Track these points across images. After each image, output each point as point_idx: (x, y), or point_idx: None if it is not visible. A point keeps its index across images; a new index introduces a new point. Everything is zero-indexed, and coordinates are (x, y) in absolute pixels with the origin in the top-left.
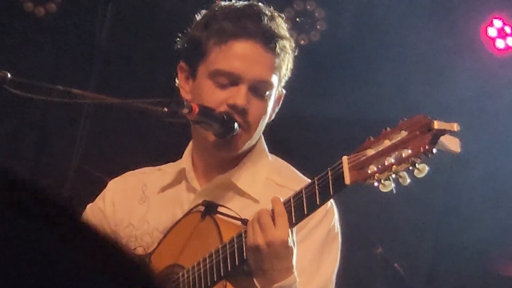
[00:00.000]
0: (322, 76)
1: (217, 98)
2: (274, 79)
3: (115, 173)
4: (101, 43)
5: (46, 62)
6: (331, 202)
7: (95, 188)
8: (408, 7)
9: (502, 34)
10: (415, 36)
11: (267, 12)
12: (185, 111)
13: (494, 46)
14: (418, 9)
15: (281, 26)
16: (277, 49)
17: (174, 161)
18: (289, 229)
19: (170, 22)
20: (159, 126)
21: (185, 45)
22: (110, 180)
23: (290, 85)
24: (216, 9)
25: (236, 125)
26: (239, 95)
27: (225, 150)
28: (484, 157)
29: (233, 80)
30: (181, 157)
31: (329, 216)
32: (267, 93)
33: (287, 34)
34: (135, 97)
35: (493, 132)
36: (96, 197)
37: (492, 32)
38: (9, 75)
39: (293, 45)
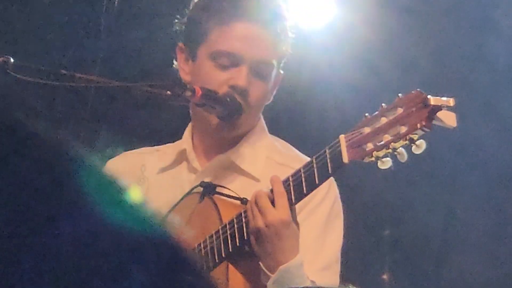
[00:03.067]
0: (321, 58)
1: (218, 79)
2: (275, 60)
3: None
4: (105, 27)
5: (50, 47)
6: (332, 180)
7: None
8: None
9: None
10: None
11: None
12: (188, 94)
13: None
14: None
15: (282, 7)
16: (278, 31)
17: (174, 142)
18: (289, 209)
19: (174, 6)
20: (161, 108)
21: (184, 26)
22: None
23: (287, 67)
24: None
25: (240, 106)
26: (240, 76)
27: (227, 131)
28: (497, 133)
29: (234, 61)
30: (180, 138)
31: (331, 194)
32: (268, 74)
33: (287, 15)
34: (139, 80)
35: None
36: None
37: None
38: (12, 60)
39: (293, 27)
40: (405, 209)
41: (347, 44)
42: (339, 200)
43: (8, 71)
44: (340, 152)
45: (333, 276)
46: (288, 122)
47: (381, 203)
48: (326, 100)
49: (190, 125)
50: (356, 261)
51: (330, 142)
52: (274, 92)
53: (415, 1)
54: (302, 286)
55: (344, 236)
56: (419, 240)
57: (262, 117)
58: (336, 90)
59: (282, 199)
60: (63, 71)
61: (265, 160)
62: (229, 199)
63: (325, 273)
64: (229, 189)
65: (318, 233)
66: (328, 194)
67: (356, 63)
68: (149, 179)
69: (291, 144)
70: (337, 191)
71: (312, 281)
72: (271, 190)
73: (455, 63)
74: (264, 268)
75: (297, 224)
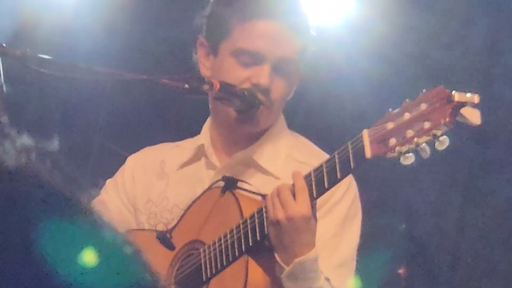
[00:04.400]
0: (342, 51)
1: (240, 76)
2: (297, 58)
3: (136, 149)
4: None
5: (66, 41)
6: (352, 178)
7: (117, 165)
8: None
9: None
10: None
11: None
12: (206, 87)
13: None
14: None
15: (302, 4)
16: (300, 29)
17: (193, 136)
18: (310, 204)
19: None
20: (179, 102)
21: (206, 21)
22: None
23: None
24: None
25: (258, 100)
26: (262, 74)
27: (247, 126)
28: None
29: (257, 59)
30: (199, 133)
31: (350, 192)
32: (290, 71)
33: (308, 13)
34: (157, 74)
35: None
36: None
37: None
38: (30, 52)
39: (315, 25)
40: (421, 204)
41: (364, 38)
42: (358, 198)
43: (26, 63)
44: (363, 147)
45: (348, 273)
46: (306, 117)
47: (397, 197)
48: (344, 94)
49: (208, 119)
50: (372, 255)
51: (348, 136)
52: (294, 88)
53: None
54: (315, 280)
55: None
56: (434, 235)
57: (282, 113)
58: (354, 84)
59: (303, 194)
60: (81, 64)
61: (285, 158)
62: (250, 194)
63: (341, 270)
64: (251, 184)
65: (336, 231)
66: (347, 192)
67: (373, 57)
68: (169, 175)
69: (309, 139)
70: (356, 189)
71: (327, 278)
72: (293, 185)
73: (471, 57)
74: (279, 260)
75: (316, 219)
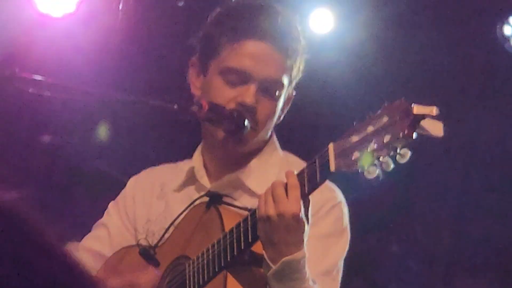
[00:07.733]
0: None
1: (226, 95)
2: (285, 79)
3: (131, 172)
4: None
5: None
6: (341, 199)
7: (112, 188)
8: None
9: None
10: (425, 33)
11: (281, 12)
12: (195, 108)
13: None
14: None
15: (295, 27)
16: (289, 51)
17: (190, 157)
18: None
19: (185, 22)
20: (174, 123)
21: (199, 42)
22: (128, 178)
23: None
24: (231, 6)
25: (246, 122)
26: (248, 94)
27: (233, 146)
28: (493, 148)
29: (243, 78)
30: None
31: (336, 210)
32: (277, 93)
33: (300, 36)
34: (147, 95)
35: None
36: (114, 196)
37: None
38: (19, 73)
39: (306, 47)
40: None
41: (345, 56)
42: (346, 218)
43: (14, 83)
44: (328, 161)
45: (333, 282)
46: (294, 134)
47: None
48: (329, 112)
49: (201, 143)
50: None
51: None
52: (285, 111)
53: (411, 12)
54: (302, 281)
55: (350, 245)
56: (427, 255)
57: (274, 134)
58: (339, 101)
59: (295, 192)
60: (70, 84)
61: None
62: (235, 209)
63: (324, 278)
64: (236, 200)
65: (318, 245)
66: (332, 210)
67: (356, 75)
68: (168, 196)
69: (299, 156)
70: (346, 209)
71: (313, 280)
72: (286, 183)
73: (452, 73)
74: (266, 258)
75: (307, 220)
